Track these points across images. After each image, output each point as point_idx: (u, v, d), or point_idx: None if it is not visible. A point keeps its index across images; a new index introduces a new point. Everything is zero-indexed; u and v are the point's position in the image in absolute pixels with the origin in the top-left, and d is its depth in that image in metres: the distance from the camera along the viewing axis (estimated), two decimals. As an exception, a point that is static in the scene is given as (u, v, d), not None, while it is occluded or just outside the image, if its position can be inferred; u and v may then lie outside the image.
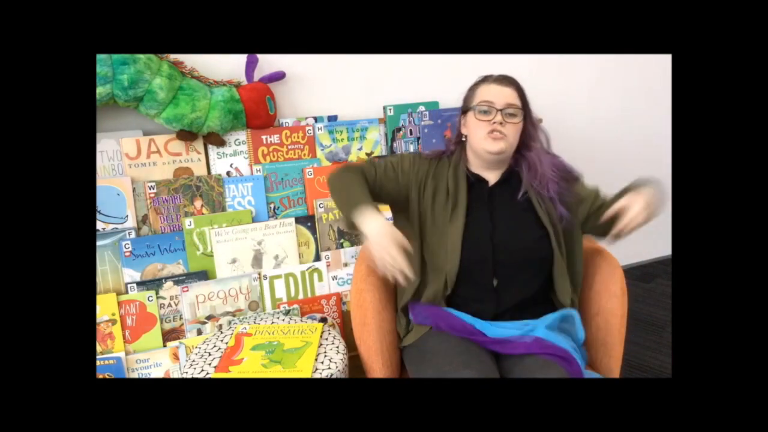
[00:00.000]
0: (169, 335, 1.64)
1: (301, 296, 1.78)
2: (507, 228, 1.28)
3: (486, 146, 1.27)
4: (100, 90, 1.46)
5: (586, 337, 1.39)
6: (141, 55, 1.48)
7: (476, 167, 1.35)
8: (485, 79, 1.32)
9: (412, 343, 1.30)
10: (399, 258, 1.09)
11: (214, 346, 1.41)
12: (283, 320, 1.57)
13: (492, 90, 1.28)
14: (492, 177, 1.34)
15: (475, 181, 1.34)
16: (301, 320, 1.59)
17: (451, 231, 1.27)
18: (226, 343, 1.42)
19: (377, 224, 1.13)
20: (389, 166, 1.35)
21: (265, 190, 1.77)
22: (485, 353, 1.22)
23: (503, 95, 1.27)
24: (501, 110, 1.25)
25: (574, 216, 1.31)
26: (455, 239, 1.26)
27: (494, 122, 1.25)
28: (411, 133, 1.96)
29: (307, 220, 1.80)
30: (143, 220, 1.64)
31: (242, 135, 1.74)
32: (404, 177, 1.34)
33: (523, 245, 1.28)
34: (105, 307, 1.55)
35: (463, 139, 1.36)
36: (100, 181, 1.57)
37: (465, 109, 1.34)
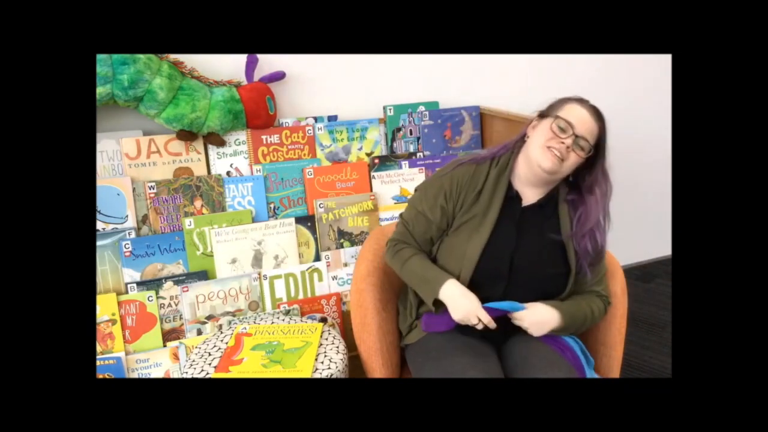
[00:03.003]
0: (169, 335, 1.64)
1: (301, 296, 1.78)
2: (530, 252, 1.25)
3: (540, 158, 1.21)
4: (100, 90, 1.46)
5: (586, 337, 1.39)
6: (141, 55, 1.48)
7: (519, 181, 1.30)
8: (582, 101, 1.27)
9: (415, 341, 1.31)
10: (484, 316, 1.18)
11: (214, 346, 1.41)
12: (283, 320, 1.57)
13: (581, 114, 1.23)
14: (531, 195, 1.29)
15: (513, 197, 1.29)
16: (301, 320, 1.59)
17: (474, 240, 1.24)
18: (226, 343, 1.42)
19: (454, 295, 1.21)
20: (420, 218, 1.31)
21: (265, 190, 1.77)
22: (489, 351, 1.23)
23: (587, 125, 1.22)
24: (577, 135, 1.21)
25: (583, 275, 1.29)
26: (474, 249, 1.23)
27: (562, 141, 1.20)
28: (411, 133, 1.96)
29: (307, 220, 1.80)
30: (143, 220, 1.64)
31: (242, 135, 1.74)
32: (435, 218, 1.29)
33: (543, 275, 1.25)
34: (105, 307, 1.55)
35: (526, 138, 1.30)
36: (100, 181, 1.57)
37: (544, 114, 1.28)
